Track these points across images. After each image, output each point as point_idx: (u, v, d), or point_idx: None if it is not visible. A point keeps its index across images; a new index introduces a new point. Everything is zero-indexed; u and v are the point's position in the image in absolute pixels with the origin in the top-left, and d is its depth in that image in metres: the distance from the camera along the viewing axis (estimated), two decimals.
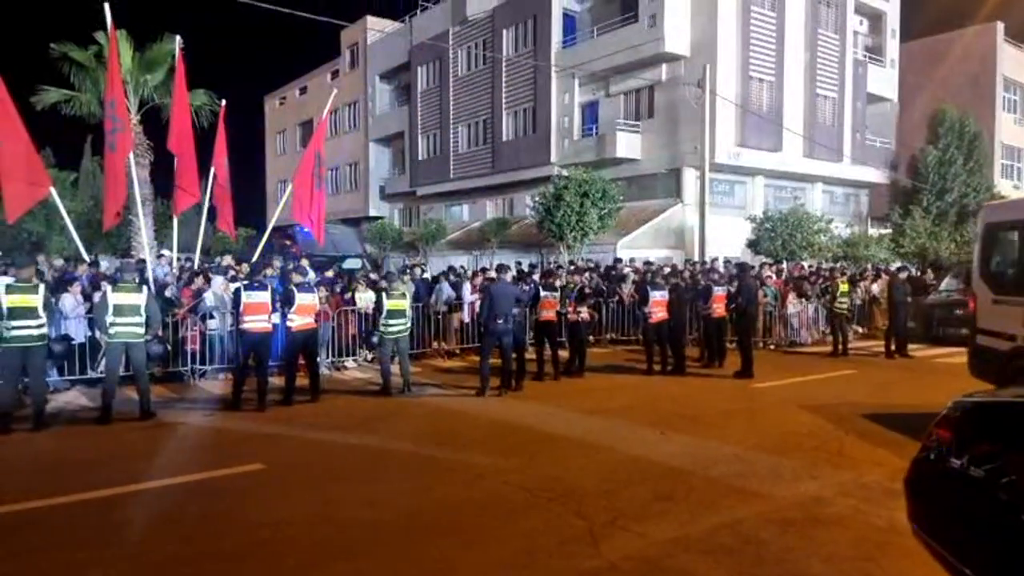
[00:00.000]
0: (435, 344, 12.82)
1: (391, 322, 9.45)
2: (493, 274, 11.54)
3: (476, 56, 30.24)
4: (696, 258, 19.63)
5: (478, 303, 12.46)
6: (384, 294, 9.60)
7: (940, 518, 3.08)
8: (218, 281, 10.55)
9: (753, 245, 21.18)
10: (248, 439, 6.96)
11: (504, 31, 28.38)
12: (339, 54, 39.66)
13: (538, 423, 7.61)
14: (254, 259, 12.81)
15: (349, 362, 11.75)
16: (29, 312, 7.06)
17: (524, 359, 9.83)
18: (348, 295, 11.80)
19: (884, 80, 27.84)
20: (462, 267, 17.40)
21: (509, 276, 9.95)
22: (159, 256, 13.12)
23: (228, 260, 12.75)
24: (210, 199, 13.37)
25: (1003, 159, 29.36)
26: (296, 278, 8.96)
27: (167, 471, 5.77)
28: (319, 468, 5.98)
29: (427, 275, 14.84)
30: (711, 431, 7.22)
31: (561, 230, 19.79)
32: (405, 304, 9.79)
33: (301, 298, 8.68)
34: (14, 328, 6.99)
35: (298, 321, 8.65)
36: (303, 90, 43.27)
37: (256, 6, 13.02)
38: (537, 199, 20.85)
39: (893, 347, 12.97)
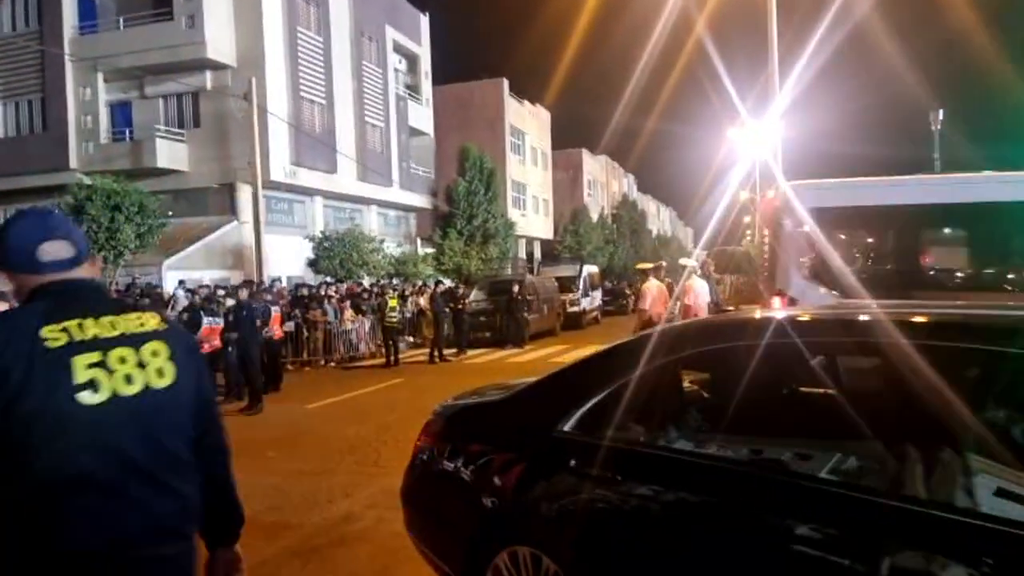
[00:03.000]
0: None
1: None
2: None
3: None
4: (255, 278, 18.73)
5: None
6: None
7: (427, 522, 3.23)
8: None
9: (313, 264, 21.33)
10: None
11: None
12: None
13: None
14: None
15: None
16: None
17: None
18: None
19: (422, 116, 31.38)
20: None
21: None
22: None
23: None
24: None
25: (512, 192, 36.12)
26: None
27: None
28: None
29: None
30: (254, 464, 6.68)
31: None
32: None
33: None
34: None
35: None
36: None
37: None
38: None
39: (436, 353, 14.45)
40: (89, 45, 21.98)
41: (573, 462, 2.55)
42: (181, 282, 15.85)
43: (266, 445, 7.45)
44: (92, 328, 1.50)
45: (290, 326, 13.73)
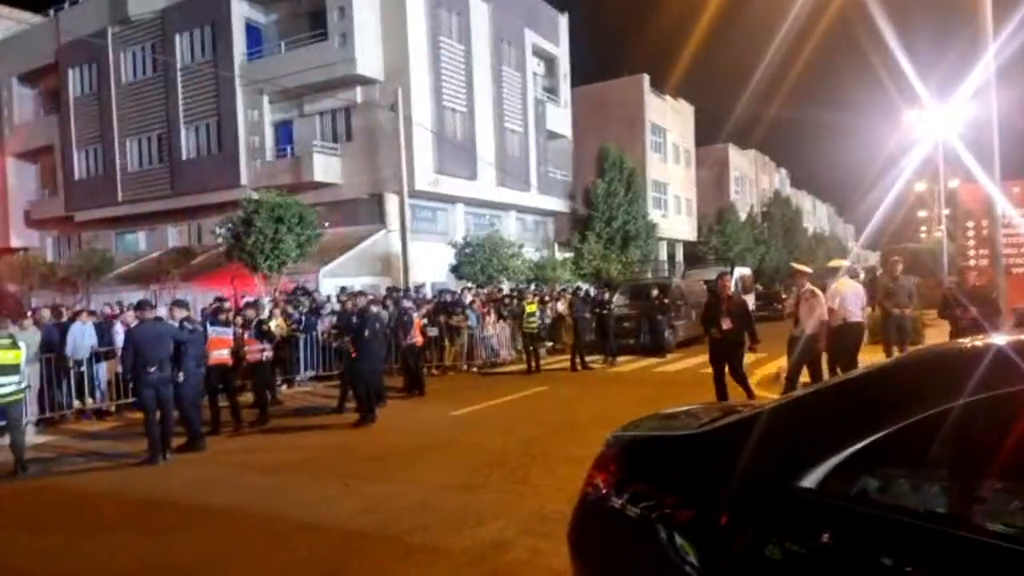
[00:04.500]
0: (77, 403, 10.29)
1: None
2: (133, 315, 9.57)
3: (144, 61, 26.46)
4: (401, 284, 19.34)
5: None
6: None
7: (602, 571, 2.74)
8: None
9: (456, 270, 21.69)
10: None
11: (177, 36, 25.27)
12: None
13: (194, 495, 6.22)
14: None
15: None
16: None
17: (194, 414, 8.20)
18: None
19: (560, 118, 31.12)
20: (119, 303, 14.57)
21: (153, 314, 8.09)
22: None
23: None
24: None
25: (653, 192, 34.89)
26: None
27: None
28: None
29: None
30: (399, 474, 6.61)
31: (253, 258, 17.91)
32: (15, 358, 7.51)
33: None
34: None
35: None
36: None
37: None
38: (224, 225, 18.64)
39: (578, 360, 13.98)
40: (256, 70, 23.90)
41: (827, 536, 1.79)
42: (343, 288, 16.50)
43: (414, 454, 7.36)
44: None
45: (433, 331, 13.90)
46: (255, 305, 11.01)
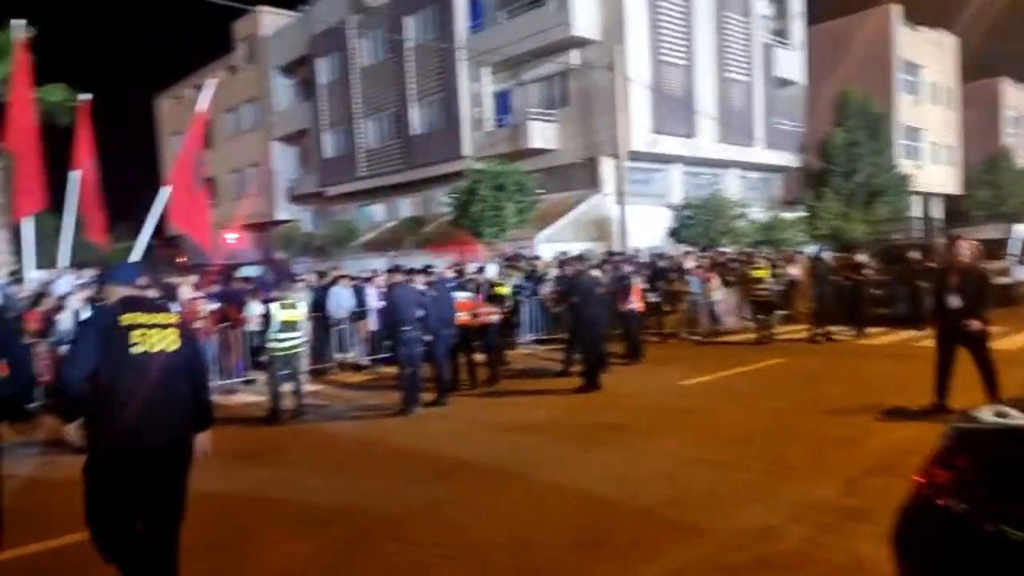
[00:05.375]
0: (338, 356, 11.58)
1: (282, 336, 8.26)
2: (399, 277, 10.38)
3: (379, 45, 28.74)
4: (617, 249, 19.05)
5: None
6: (273, 305, 8.38)
7: None
8: (74, 301, 8.96)
9: (675, 233, 20.85)
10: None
11: (406, 18, 26.99)
12: (232, 48, 37.15)
13: (447, 447, 6.58)
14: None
15: (239, 384, 10.36)
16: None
17: (446, 371, 8.78)
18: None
19: (791, 63, 28.17)
20: (374, 270, 16.08)
21: (404, 278, 8.73)
22: (13, 274, 11.34)
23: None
24: (77, 206, 11.66)
25: (904, 139, 30.39)
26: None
27: None
28: None
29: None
30: (638, 443, 6.39)
31: (477, 226, 18.80)
32: (298, 315, 8.56)
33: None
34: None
35: None
36: (199, 87, 40.40)
37: None
38: (450, 195, 19.79)
39: (819, 331, 12.64)
40: (477, 42, 24.74)
41: None
42: (563, 253, 16.61)
43: (649, 423, 7.10)
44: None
45: (653, 297, 13.45)
46: (484, 270, 11.50)
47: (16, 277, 11.50)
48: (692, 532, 4.25)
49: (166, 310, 3.48)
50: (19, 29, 11.13)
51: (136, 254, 12.58)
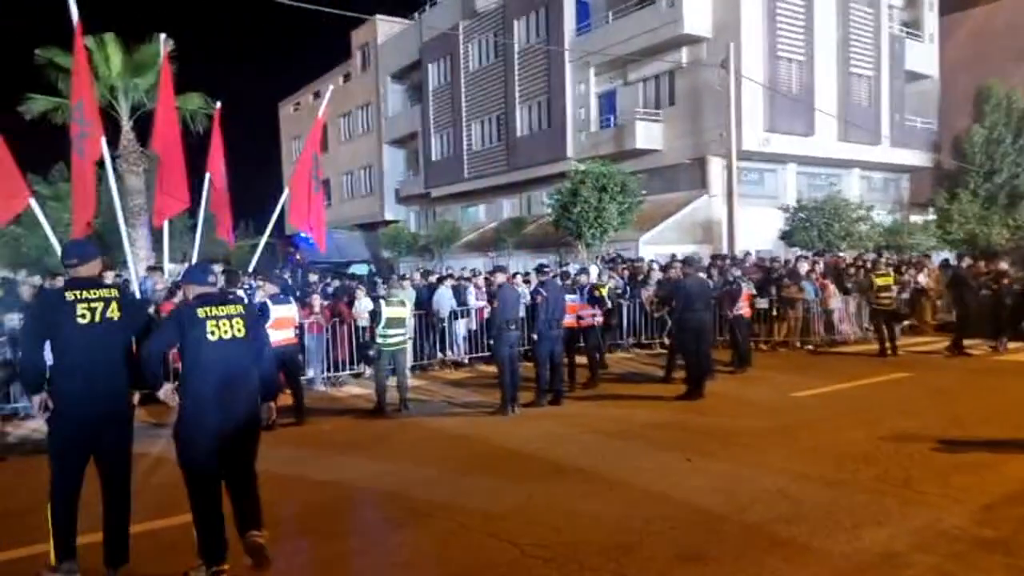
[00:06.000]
0: (440, 355, 11.86)
1: (389, 332, 8.57)
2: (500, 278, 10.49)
3: (487, 49, 29.22)
4: (725, 252, 18.35)
5: (486, 309, 11.55)
6: (382, 302, 8.72)
7: None
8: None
9: (787, 236, 19.84)
10: None
11: (515, 21, 27.28)
12: (350, 56, 39.02)
13: (545, 449, 6.56)
14: (251, 268, 12.08)
15: (347, 377, 10.85)
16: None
17: (545, 372, 8.76)
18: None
19: (923, 56, 26.09)
20: (474, 270, 16.38)
21: (503, 278, 8.81)
22: (151, 268, 12.40)
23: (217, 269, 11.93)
24: (207, 206, 12.62)
25: None
26: (270, 288, 8.05)
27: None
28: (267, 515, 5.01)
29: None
30: (746, 456, 6.10)
31: (579, 227, 18.71)
32: (405, 312, 8.86)
33: (276, 311, 7.77)
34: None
35: (274, 336, 7.72)
36: (317, 95, 42.75)
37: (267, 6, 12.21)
38: (553, 195, 19.79)
39: (955, 345, 11.61)
40: (584, 43, 24.63)
41: None
42: (671, 256, 16.25)
43: (758, 435, 6.76)
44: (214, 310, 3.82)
45: (763, 303, 12.85)
46: (586, 272, 11.39)
47: (155, 269, 12.54)
48: (805, 552, 4.00)
49: (234, 302, 4.04)
50: (162, 42, 12.15)
51: (257, 251, 13.52)
